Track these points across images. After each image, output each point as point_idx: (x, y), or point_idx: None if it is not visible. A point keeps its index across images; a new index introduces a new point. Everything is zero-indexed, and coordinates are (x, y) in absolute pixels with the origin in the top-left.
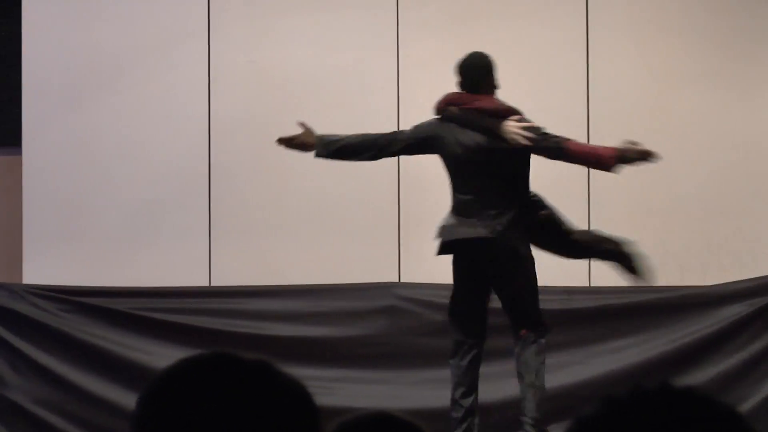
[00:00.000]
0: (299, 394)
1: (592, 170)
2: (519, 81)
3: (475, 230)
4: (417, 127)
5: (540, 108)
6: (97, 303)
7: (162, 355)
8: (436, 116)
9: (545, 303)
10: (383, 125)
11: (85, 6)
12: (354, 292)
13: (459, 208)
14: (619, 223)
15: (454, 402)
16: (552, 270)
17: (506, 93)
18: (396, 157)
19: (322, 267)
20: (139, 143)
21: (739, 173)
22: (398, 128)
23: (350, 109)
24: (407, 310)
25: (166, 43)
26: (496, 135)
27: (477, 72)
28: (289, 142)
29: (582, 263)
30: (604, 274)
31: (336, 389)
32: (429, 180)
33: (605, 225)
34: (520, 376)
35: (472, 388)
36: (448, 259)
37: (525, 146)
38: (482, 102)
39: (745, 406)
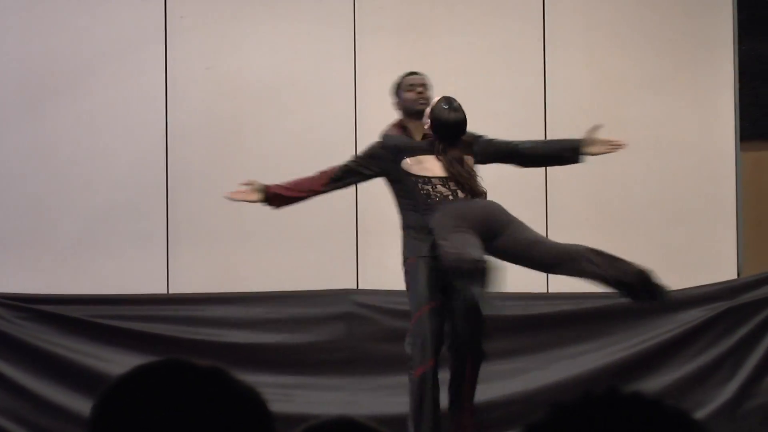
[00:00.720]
0: (252, 400)
1: (549, 176)
2: (475, 87)
3: None
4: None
5: (497, 113)
6: (54, 311)
7: (119, 363)
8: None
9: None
10: (340, 131)
11: (42, 13)
12: (312, 299)
13: None
14: (576, 230)
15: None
16: (510, 276)
17: (463, 99)
18: None
19: (281, 274)
20: (97, 150)
21: (695, 179)
22: (355, 134)
23: (308, 115)
24: (365, 317)
25: (124, 50)
26: None
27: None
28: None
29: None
30: (562, 281)
31: (295, 396)
32: (387, 189)
33: (562, 231)
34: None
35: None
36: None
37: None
38: None
39: (704, 411)
